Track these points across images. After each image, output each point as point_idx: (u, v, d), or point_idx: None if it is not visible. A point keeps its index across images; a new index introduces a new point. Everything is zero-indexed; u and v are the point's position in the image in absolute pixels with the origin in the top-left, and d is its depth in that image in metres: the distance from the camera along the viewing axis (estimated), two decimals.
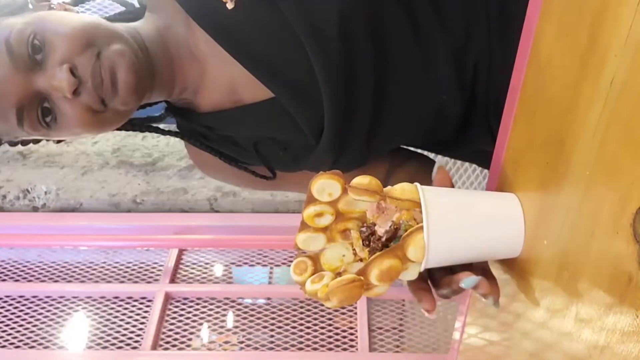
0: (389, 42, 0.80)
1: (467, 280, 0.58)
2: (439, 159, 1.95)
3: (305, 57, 0.78)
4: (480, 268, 0.64)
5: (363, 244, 0.60)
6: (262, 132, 0.88)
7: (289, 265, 2.26)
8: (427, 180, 0.65)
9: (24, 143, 0.87)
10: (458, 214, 0.58)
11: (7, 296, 2.08)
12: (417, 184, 0.59)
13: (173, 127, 0.97)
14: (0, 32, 0.74)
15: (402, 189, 0.57)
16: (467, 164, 1.87)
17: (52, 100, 0.75)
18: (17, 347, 1.92)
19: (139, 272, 2.19)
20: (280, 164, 0.91)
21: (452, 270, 0.60)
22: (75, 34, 0.74)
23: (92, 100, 0.75)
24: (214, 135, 0.91)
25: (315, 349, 1.92)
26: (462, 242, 0.58)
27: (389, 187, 0.58)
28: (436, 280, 0.62)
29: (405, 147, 1.01)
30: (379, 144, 0.88)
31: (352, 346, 1.92)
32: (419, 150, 1.04)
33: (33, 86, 0.74)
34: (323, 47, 0.77)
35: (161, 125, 0.98)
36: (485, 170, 1.75)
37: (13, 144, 0.86)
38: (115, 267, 2.22)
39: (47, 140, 0.86)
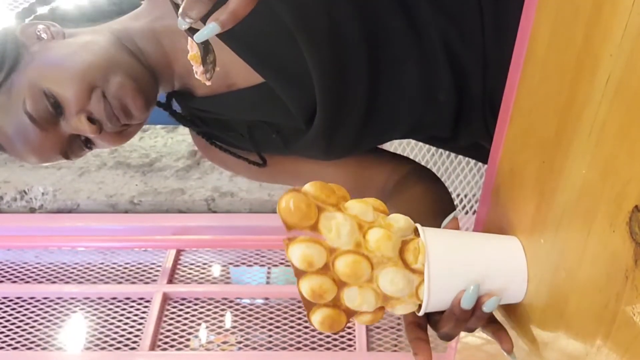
0: (381, 29, 0.80)
1: (490, 302, 0.56)
2: (438, 158, 1.95)
3: (296, 43, 0.78)
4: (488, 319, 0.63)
5: None
6: (254, 115, 0.90)
7: (287, 266, 2.27)
8: (428, 213, 0.64)
9: None
10: (461, 265, 0.57)
11: (4, 297, 2.08)
12: (418, 225, 0.59)
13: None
14: (14, 103, 0.81)
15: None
16: (465, 159, 1.87)
17: (83, 135, 0.85)
18: (15, 348, 1.92)
19: (137, 273, 2.19)
20: (273, 148, 0.92)
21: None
22: (76, 80, 0.80)
23: (115, 129, 0.84)
24: (211, 119, 0.93)
25: (313, 348, 1.92)
26: (465, 284, 0.57)
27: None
28: (435, 320, 0.61)
29: (408, 157, 1.01)
30: (372, 132, 0.88)
31: (350, 345, 1.92)
32: (414, 144, 1.04)
33: (64, 134, 0.83)
34: (313, 34, 0.78)
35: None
36: (481, 165, 1.75)
37: None
38: (113, 268, 2.22)
39: None
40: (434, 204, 0.85)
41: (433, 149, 1.93)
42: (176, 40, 0.86)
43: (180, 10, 0.54)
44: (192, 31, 0.58)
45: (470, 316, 0.58)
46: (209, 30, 0.54)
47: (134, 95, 0.82)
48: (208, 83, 0.67)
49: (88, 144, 0.86)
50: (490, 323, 0.63)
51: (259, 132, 0.91)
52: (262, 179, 1.01)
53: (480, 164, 1.73)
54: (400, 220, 0.56)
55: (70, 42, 0.85)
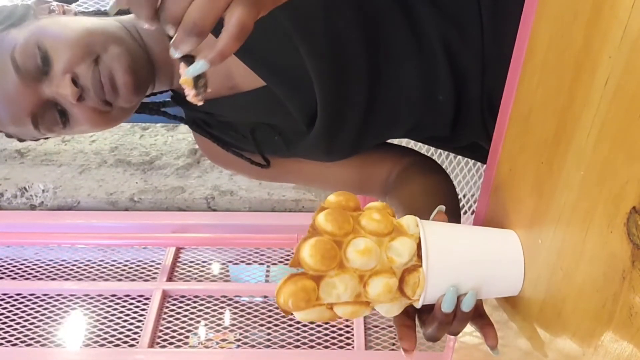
0: (380, 30, 0.80)
1: (466, 300, 0.57)
2: (439, 157, 1.95)
3: (296, 47, 0.79)
4: (476, 312, 0.64)
5: None
6: (257, 118, 0.90)
7: (286, 264, 2.25)
8: (428, 209, 0.65)
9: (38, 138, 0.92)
10: (458, 256, 0.58)
11: (4, 294, 2.08)
12: (417, 218, 0.59)
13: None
14: (4, 47, 0.79)
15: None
16: (464, 159, 1.87)
17: (61, 104, 0.81)
18: (15, 345, 1.92)
19: (137, 270, 2.19)
20: (276, 150, 0.93)
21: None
22: (74, 43, 0.78)
23: (96, 104, 0.80)
24: (215, 121, 0.93)
25: (311, 346, 1.92)
26: (460, 281, 0.58)
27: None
28: (423, 319, 0.62)
29: (410, 148, 1.02)
30: (372, 133, 0.88)
31: (348, 344, 1.92)
32: (414, 143, 1.05)
33: (41, 95, 0.79)
34: (312, 39, 0.78)
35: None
36: (480, 165, 1.75)
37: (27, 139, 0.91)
38: (112, 265, 2.22)
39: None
40: (434, 198, 0.85)
41: (432, 149, 1.93)
42: None
43: (172, 41, 0.54)
44: (185, 59, 0.58)
45: (452, 319, 0.59)
46: (198, 67, 0.56)
47: (126, 71, 0.79)
48: (200, 104, 0.67)
49: (62, 117, 0.82)
50: (479, 317, 0.64)
51: (261, 134, 0.91)
52: (265, 179, 1.01)
53: (479, 163, 1.74)
54: (404, 255, 0.56)
55: (80, 18, 0.85)
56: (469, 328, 0.73)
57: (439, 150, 1.89)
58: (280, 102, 0.84)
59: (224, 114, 0.91)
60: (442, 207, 0.65)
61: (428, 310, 0.60)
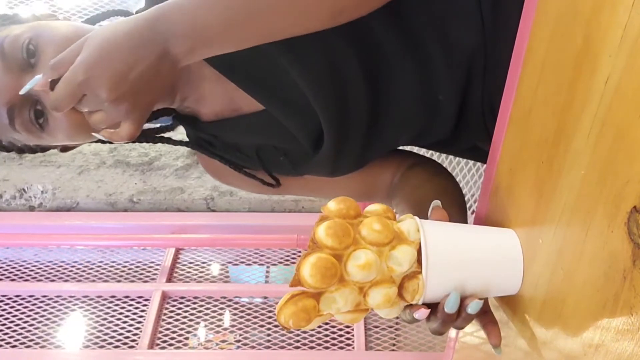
0: (375, 40, 0.79)
1: (473, 304, 0.58)
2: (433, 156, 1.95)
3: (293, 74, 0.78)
4: (481, 310, 0.64)
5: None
6: (261, 139, 0.90)
7: (286, 264, 2.24)
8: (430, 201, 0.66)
9: (25, 150, 0.88)
10: (457, 256, 0.59)
11: (3, 296, 2.07)
12: (418, 221, 0.59)
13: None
14: None
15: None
16: (463, 161, 1.87)
17: (43, 103, 0.76)
18: (14, 346, 1.92)
19: (136, 271, 2.19)
20: (282, 170, 0.93)
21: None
22: (68, 40, 0.72)
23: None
24: (219, 142, 0.92)
25: (311, 347, 1.92)
26: (460, 283, 0.58)
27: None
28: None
29: (412, 151, 1.02)
30: (376, 146, 0.88)
31: (348, 345, 1.92)
32: (415, 149, 1.05)
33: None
34: (305, 61, 0.77)
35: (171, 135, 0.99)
36: (480, 165, 1.75)
37: (11, 149, 0.87)
38: (112, 267, 2.22)
39: (50, 148, 0.88)
40: (440, 192, 0.85)
41: (431, 151, 1.93)
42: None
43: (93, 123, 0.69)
44: None
45: (456, 317, 0.60)
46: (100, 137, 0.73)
47: None
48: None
49: (40, 119, 0.76)
50: (483, 314, 0.64)
51: (266, 154, 0.91)
52: (270, 193, 1.01)
53: (479, 164, 1.74)
54: (404, 265, 0.57)
55: (82, 24, 0.82)
56: (470, 328, 0.73)
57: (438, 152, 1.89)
58: (284, 125, 0.84)
59: (229, 136, 0.91)
60: (438, 202, 0.65)
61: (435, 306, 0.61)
